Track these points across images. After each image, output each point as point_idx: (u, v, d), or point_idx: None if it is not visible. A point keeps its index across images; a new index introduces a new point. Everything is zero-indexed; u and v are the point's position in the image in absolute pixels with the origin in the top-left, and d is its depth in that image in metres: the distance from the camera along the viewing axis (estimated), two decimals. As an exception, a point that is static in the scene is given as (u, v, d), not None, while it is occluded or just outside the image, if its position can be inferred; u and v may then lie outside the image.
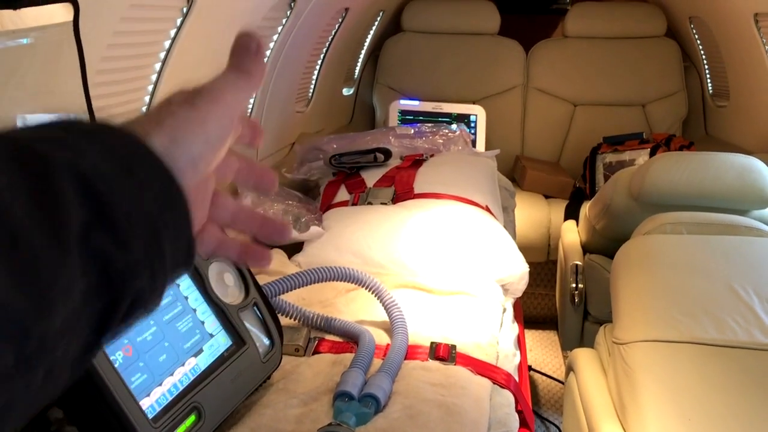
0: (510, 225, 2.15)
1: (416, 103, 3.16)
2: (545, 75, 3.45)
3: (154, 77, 1.49)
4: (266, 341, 1.14)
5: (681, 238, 1.78)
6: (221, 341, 1.06)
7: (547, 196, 3.10)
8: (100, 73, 1.24)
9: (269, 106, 2.30)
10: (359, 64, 3.54)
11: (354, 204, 1.95)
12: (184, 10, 1.47)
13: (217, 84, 0.42)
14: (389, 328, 1.33)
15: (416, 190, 1.96)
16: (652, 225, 1.84)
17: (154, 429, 0.88)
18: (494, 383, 1.24)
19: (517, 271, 1.64)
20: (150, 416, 0.88)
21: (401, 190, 1.97)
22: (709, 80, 3.30)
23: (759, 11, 2.44)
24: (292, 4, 2.12)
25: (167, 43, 1.48)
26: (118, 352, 0.89)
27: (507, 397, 1.22)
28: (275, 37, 2.15)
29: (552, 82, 3.43)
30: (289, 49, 2.26)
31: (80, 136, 0.34)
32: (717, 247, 1.73)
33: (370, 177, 2.09)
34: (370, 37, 3.45)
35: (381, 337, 1.32)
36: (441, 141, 2.35)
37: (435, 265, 1.62)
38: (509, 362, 1.37)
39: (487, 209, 1.90)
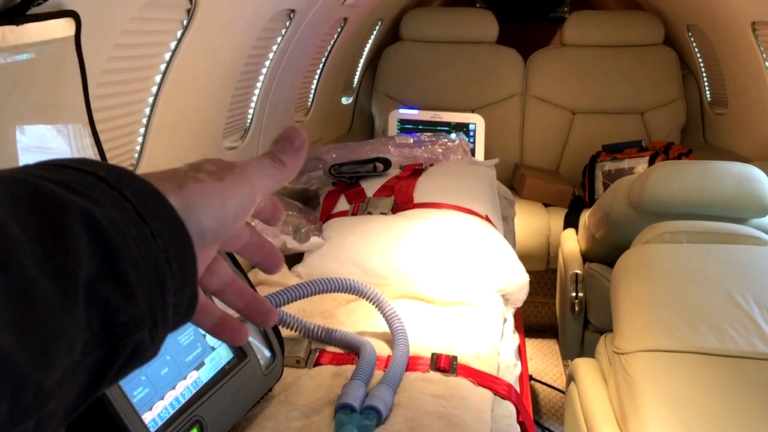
0: (510, 234, 2.16)
1: (415, 112, 3.17)
2: (544, 83, 3.46)
3: (154, 89, 1.49)
4: (267, 353, 1.14)
5: (681, 247, 1.78)
6: (223, 354, 1.06)
7: (546, 205, 3.10)
8: (101, 86, 1.24)
9: (269, 115, 2.30)
10: (358, 73, 3.55)
11: (354, 214, 1.96)
12: (185, 22, 1.47)
13: (250, 166, 0.42)
14: (390, 339, 1.33)
15: (416, 200, 1.96)
16: (652, 234, 1.84)
17: (156, 443, 0.88)
18: (495, 394, 1.24)
19: (518, 281, 1.64)
20: (152, 430, 0.88)
21: (401, 200, 1.97)
22: (707, 88, 3.31)
23: (756, 20, 2.45)
24: (292, 15, 2.12)
25: (167, 55, 1.49)
26: (120, 367, 0.88)
27: (508, 408, 1.22)
28: (275, 48, 2.16)
29: (550, 91, 3.44)
30: (288, 59, 2.27)
31: (96, 181, 0.34)
32: (717, 256, 1.73)
33: (370, 187, 2.09)
34: (368, 45, 3.46)
35: (382, 349, 1.32)
36: (440, 150, 2.36)
37: (435, 275, 1.62)
38: (510, 373, 1.37)
39: (487, 219, 1.90)
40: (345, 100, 3.45)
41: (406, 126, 3.14)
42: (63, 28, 0.99)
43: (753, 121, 2.82)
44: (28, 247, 0.29)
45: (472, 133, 3.06)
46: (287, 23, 2.14)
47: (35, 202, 0.30)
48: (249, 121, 2.21)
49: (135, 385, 0.89)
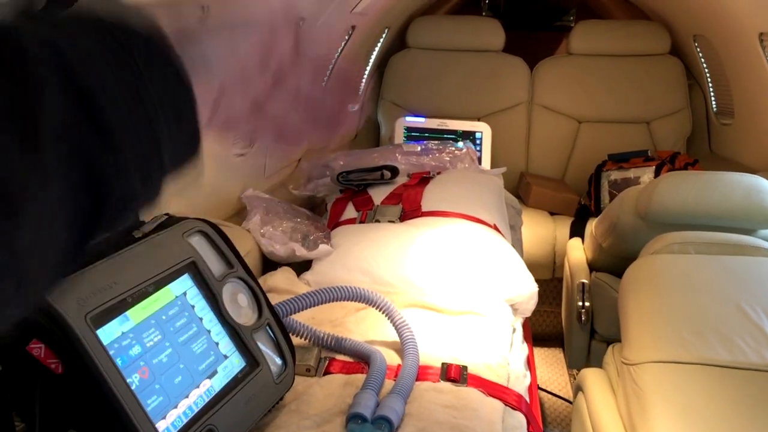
0: (518, 243, 2.16)
1: (422, 119, 3.17)
2: (550, 92, 3.46)
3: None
4: (279, 361, 1.14)
5: (689, 258, 1.78)
6: (235, 363, 1.05)
7: (552, 213, 3.10)
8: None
9: (277, 123, 2.30)
10: (364, 81, 3.56)
11: (361, 222, 1.96)
12: (197, 30, 1.48)
13: None
14: (399, 348, 1.33)
15: (424, 208, 1.96)
16: (660, 244, 1.84)
17: (169, 452, 0.87)
18: (506, 405, 1.23)
19: (527, 291, 1.64)
20: (166, 439, 0.88)
21: (409, 208, 1.97)
22: (713, 98, 3.31)
23: (764, 31, 2.46)
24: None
25: (180, 63, 1.49)
26: (135, 375, 0.89)
27: (519, 419, 1.22)
28: (284, 55, 2.16)
29: (556, 99, 3.45)
30: (297, 67, 2.27)
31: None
32: (725, 267, 1.73)
33: (378, 194, 2.09)
34: (375, 53, 3.46)
35: (391, 358, 1.32)
36: (448, 158, 2.36)
37: (444, 284, 1.62)
38: (520, 383, 1.36)
39: (495, 228, 1.90)
40: (351, 108, 3.45)
41: (413, 134, 3.14)
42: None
43: (759, 132, 2.82)
44: None
45: (478, 142, 3.07)
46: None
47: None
48: (257, 128, 2.21)
49: (149, 394, 0.89)
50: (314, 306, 1.34)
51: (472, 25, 3.53)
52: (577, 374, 2.24)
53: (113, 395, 0.83)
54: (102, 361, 0.83)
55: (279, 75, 0.43)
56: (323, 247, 1.74)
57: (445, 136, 3.06)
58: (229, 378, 1.03)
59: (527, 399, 1.33)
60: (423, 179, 2.15)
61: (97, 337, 0.83)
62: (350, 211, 2.04)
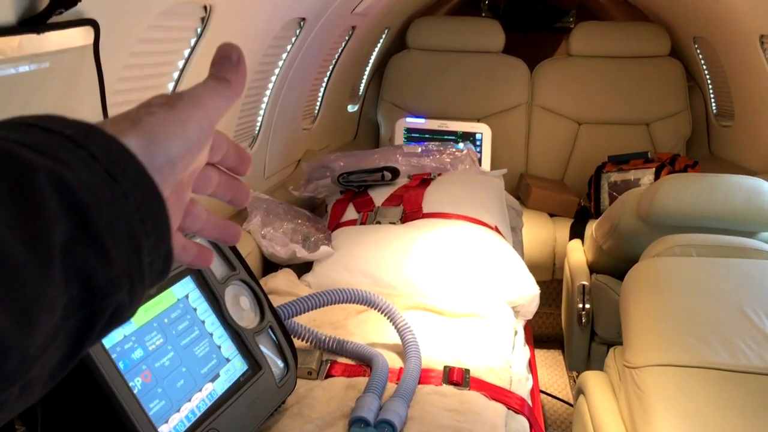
0: (518, 245, 2.15)
1: (422, 120, 3.17)
2: (550, 93, 3.46)
3: (167, 96, 1.49)
4: (281, 364, 1.13)
5: (691, 260, 1.77)
6: (237, 366, 1.05)
7: (551, 215, 3.10)
8: (117, 93, 1.24)
9: (277, 124, 2.30)
10: (364, 81, 3.55)
11: (362, 223, 1.95)
12: (199, 30, 1.47)
13: (197, 90, 0.42)
14: (401, 351, 1.32)
15: (425, 210, 1.95)
16: (662, 247, 1.84)
17: (172, 457, 0.87)
18: (509, 409, 1.23)
19: (528, 293, 1.63)
20: (168, 443, 0.87)
21: (410, 210, 1.97)
22: (713, 100, 3.31)
23: (764, 33, 2.45)
24: (302, 23, 2.12)
25: (181, 63, 1.49)
26: (137, 378, 0.88)
27: (522, 423, 1.22)
28: (284, 56, 2.15)
29: (556, 101, 3.44)
30: (297, 68, 2.27)
31: (63, 140, 0.33)
32: (727, 270, 1.73)
33: (378, 196, 2.08)
34: (375, 53, 3.46)
35: (393, 360, 1.31)
36: (448, 160, 2.35)
37: (445, 286, 1.61)
38: (522, 387, 1.36)
39: (497, 230, 1.90)
40: (351, 108, 3.45)
41: (413, 135, 3.13)
42: (82, 36, 0.99)
43: (759, 134, 2.82)
44: None
45: (478, 143, 3.06)
46: (297, 31, 2.14)
47: (2, 167, 0.30)
48: (258, 128, 2.21)
49: (152, 398, 0.89)
50: (316, 308, 1.33)
51: (472, 26, 3.52)
52: (577, 376, 2.24)
53: (115, 399, 0.82)
54: (104, 365, 0.82)
55: None
56: (324, 249, 1.73)
57: (446, 137, 3.06)
58: (232, 381, 1.02)
59: (530, 402, 1.33)
60: (424, 181, 2.15)
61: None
62: (351, 213, 2.03)
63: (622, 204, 2.13)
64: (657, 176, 2.86)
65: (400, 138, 3.14)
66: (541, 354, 2.98)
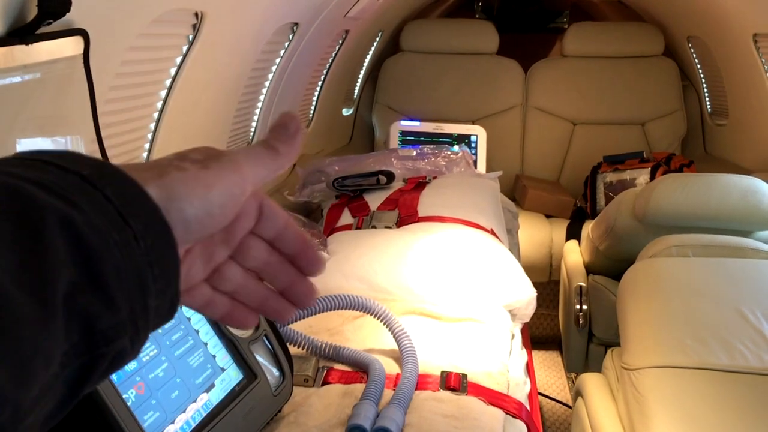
0: (514, 248, 2.15)
1: (417, 123, 3.16)
2: (544, 94, 3.46)
3: (159, 104, 1.48)
4: (276, 373, 1.12)
5: (687, 261, 1.77)
6: (232, 375, 1.04)
7: (548, 216, 3.10)
8: (108, 102, 1.23)
9: (271, 129, 2.29)
10: (358, 84, 3.55)
11: (358, 227, 1.94)
12: (190, 37, 1.46)
13: (240, 154, 0.41)
14: (398, 357, 1.32)
15: (420, 214, 1.95)
16: (658, 247, 1.84)
17: (167, 469, 0.86)
18: (507, 413, 1.22)
19: (525, 296, 1.63)
20: (163, 456, 0.87)
21: (405, 214, 1.96)
22: (707, 99, 3.32)
23: (758, 32, 2.46)
24: (295, 28, 2.12)
25: (173, 70, 1.48)
26: (131, 390, 0.87)
27: (520, 428, 1.21)
28: (277, 61, 2.15)
29: (551, 102, 3.44)
30: (291, 72, 2.26)
31: (78, 181, 0.32)
32: (724, 270, 1.73)
33: (374, 200, 2.08)
34: (369, 57, 3.46)
35: (390, 366, 1.31)
36: (443, 163, 2.35)
37: (441, 290, 1.61)
38: (520, 390, 1.35)
39: (492, 232, 1.89)
40: (345, 111, 3.45)
41: (408, 138, 3.13)
42: (72, 46, 0.98)
43: (754, 132, 2.82)
44: (2, 259, 0.27)
45: (474, 145, 3.06)
46: (290, 36, 2.13)
47: (11, 207, 0.29)
48: (252, 133, 2.20)
49: (146, 410, 0.88)
50: (312, 315, 1.33)
51: (465, 27, 3.52)
52: (575, 377, 2.23)
53: (109, 412, 0.81)
54: (97, 378, 0.81)
55: None
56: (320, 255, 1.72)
57: (441, 139, 3.05)
58: (227, 391, 1.02)
59: (527, 406, 1.32)
60: (419, 184, 2.14)
61: (92, 353, 0.82)
62: (346, 217, 2.02)
63: (618, 204, 2.13)
64: (653, 176, 2.86)
65: (395, 141, 3.14)
66: (539, 355, 2.98)
